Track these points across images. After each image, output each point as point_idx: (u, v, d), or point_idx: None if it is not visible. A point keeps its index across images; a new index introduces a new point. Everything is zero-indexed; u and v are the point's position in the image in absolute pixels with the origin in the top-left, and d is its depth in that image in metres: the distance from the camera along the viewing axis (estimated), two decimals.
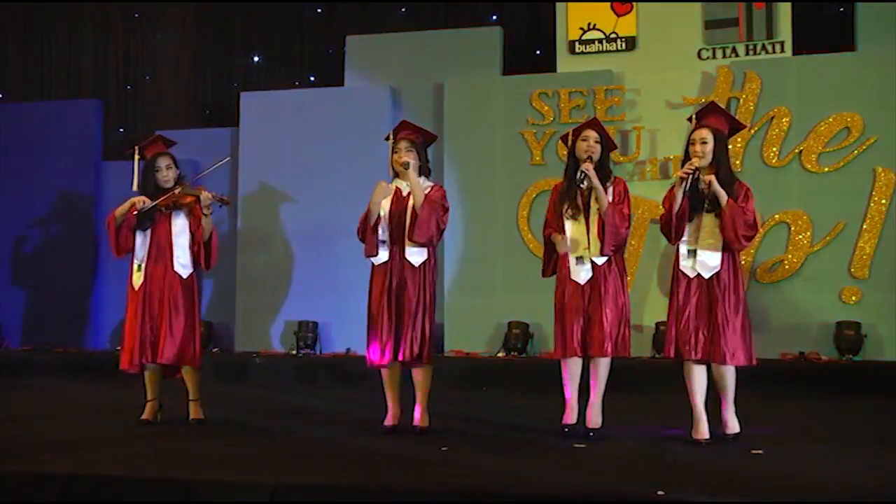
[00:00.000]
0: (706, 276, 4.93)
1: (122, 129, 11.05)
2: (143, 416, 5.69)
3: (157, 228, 5.71)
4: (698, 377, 4.96)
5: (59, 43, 11.30)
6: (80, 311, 10.18)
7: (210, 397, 5.94)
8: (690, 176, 4.91)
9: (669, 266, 8.51)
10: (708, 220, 4.96)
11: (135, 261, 5.73)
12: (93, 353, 9.83)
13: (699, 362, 4.95)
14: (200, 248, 5.78)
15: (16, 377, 8.87)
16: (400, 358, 5.24)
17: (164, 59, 11.07)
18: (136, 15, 11.12)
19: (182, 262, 5.70)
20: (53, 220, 10.33)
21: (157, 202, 5.66)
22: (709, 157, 4.96)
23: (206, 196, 5.67)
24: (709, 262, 4.94)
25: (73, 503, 3.90)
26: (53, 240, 10.29)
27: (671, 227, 5.01)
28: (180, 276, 5.69)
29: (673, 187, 5.06)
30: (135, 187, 5.81)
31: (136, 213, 5.66)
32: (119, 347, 5.94)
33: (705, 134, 4.98)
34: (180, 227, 5.73)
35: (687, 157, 5.02)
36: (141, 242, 5.73)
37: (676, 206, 4.96)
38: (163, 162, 5.78)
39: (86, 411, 6.65)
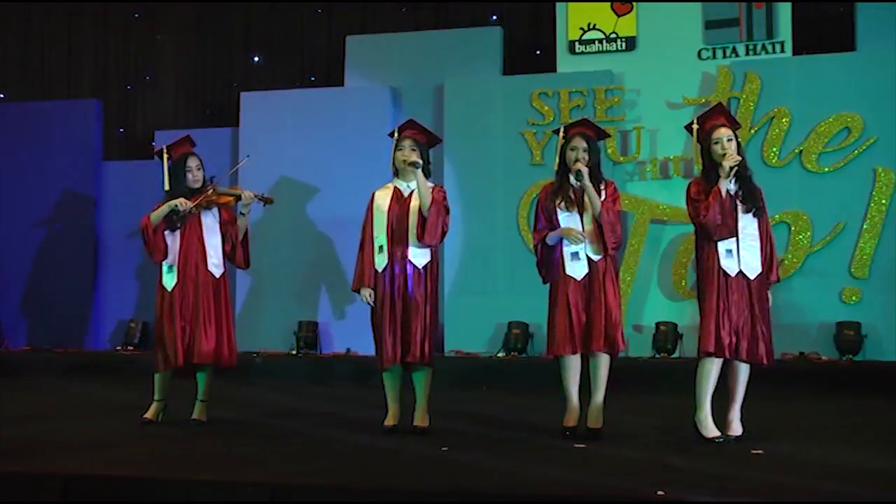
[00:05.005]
0: (752, 276, 4.96)
1: (122, 129, 11.05)
2: (146, 416, 5.68)
3: (187, 229, 5.68)
4: (716, 374, 4.98)
5: (59, 43, 11.29)
6: (80, 311, 10.18)
7: (210, 397, 5.93)
8: (733, 169, 4.92)
9: (669, 266, 8.72)
10: (746, 222, 4.98)
11: (164, 262, 5.70)
12: (93, 353, 9.83)
13: (721, 359, 4.96)
14: (237, 248, 5.80)
15: (16, 377, 8.87)
16: (407, 360, 5.24)
17: (164, 59, 11.07)
18: (137, 15, 11.12)
19: (215, 262, 5.70)
20: (54, 220, 10.33)
21: (196, 203, 5.63)
22: (737, 153, 5.00)
23: (247, 195, 5.67)
24: (752, 262, 4.97)
25: (73, 503, 3.90)
26: (54, 240, 10.29)
27: (716, 224, 4.93)
28: (213, 276, 5.69)
29: (695, 182, 5.08)
30: (166, 187, 5.74)
31: (180, 213, 5.62)
32: (153, 350, 5.86)
33: (729, 132, 5.02)
34: (210, 226, 5.73)
35: (709, 156, 5.02)
36: (171, 243, 5.69)
37: (723, 201, 4.94)
38: (193, 162, 5.76)
39: (86, 411, 6.65)
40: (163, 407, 5.74)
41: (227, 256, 5.81)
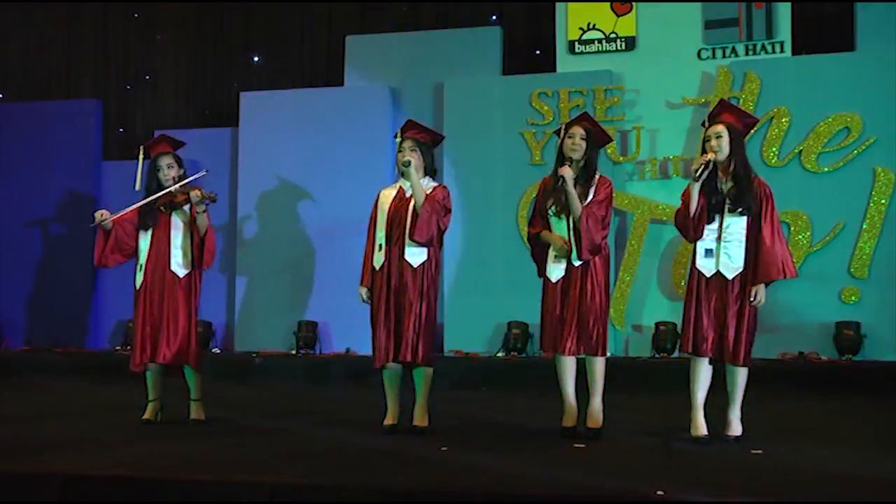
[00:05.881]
0: (729, 276, 4.94)
1: (122, 129, 11.05)
2: (144, 416, 5.70)
3: (158, 229, 5.74)
4: (704, 374, 4.98)
5: (59, 43, 11.29)
6: (80, 311, 10.18)
7: (210, 397, 5.94)
8: (705, 169, 4.90)
9: (669, 266, 8.72)
10: (731, 221, 4.96)
11: (137, 261, 5.76)
12: (93, 353, 9.83)
13: (707, 358, 4.96)
14: (196, 248, 5.80)
15: (16, 377, 8.87)
16: (399, 359, 5.25)
17: (164, 59, 11.07)
18: (136, 15, 11.12)
19: (179, 262, 5.71)
20: (54, 220, 10.33)
21: (153, 199, 5.67)
22: (725, 151, 4.96)
23: (195, 194, 5.69)
24: (733, 262, 4.94)
25: (73, 503, 3.90)
26: (54, 240, 10.30)
27: (688, 225, 4.99)
28: (177, 276, 5.70)
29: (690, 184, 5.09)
30: (137, 187, 5.81)
31: (93, 226, 5.67)
32: (129, 348, 5.98)
33: (720, 129, 4.99)
34: (179, 227, 5.75)
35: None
36: (142, 243, 5.74)
37: (693, 203, 4.95)
38: (163, 161, 5.79)
39: (86, 411, 6.65)
40: (159, 406, 5.76)
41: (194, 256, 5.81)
